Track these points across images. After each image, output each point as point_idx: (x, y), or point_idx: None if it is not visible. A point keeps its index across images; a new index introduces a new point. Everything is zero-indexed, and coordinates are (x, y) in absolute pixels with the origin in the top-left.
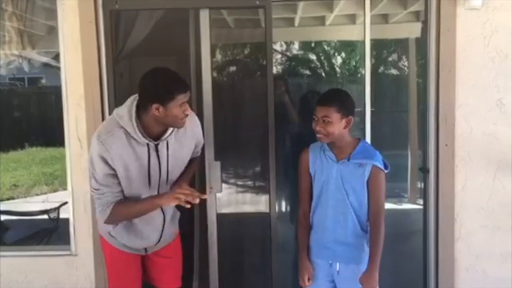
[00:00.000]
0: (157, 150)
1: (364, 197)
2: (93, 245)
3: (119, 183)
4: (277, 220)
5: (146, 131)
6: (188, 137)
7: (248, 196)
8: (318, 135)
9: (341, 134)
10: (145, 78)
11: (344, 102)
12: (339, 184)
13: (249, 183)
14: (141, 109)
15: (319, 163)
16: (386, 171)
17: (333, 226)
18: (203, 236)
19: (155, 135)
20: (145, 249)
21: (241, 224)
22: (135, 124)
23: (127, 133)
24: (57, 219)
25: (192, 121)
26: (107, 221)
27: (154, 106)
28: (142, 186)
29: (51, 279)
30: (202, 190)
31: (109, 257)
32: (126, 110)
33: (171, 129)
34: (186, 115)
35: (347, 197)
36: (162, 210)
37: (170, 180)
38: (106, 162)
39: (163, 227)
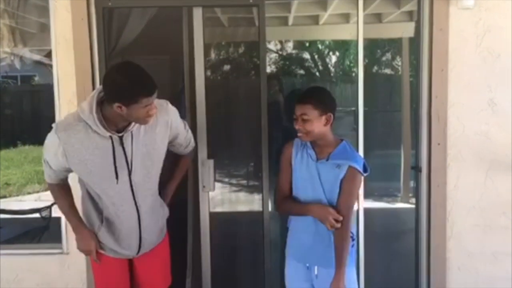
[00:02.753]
0: (122, 143)
1: None
2: None
3: (64, 174)
4: (270, 219)
5: (109, 124)
6: (160, 127)
7: (241, 194)
8: (299, 134)
9: (323, 132)
10: (110, 75)
11: (321, 99)
12: (316, 184)
13: (242, 181)
14: (105, 102)
15: (299, 159)
16: (365, 174)
17: (310, 227)
18: (196, 233)
19: (121, 127)
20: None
21: (234, 223)
22: (95, 117)
23: (88, 126)
24: (49, 217)
25: (163, 110)
26: (49, 186)
27: (117, 104)
28: (107, 180)
29: (43, 278)
30: (195, 189)
31: (96, 264)
32: (88, 103)
33: None
34: (150, 115)
35: (324, 197)
36: (136, 204)
37: (142, 176)
38: (57, 157)
39: (139, 223)
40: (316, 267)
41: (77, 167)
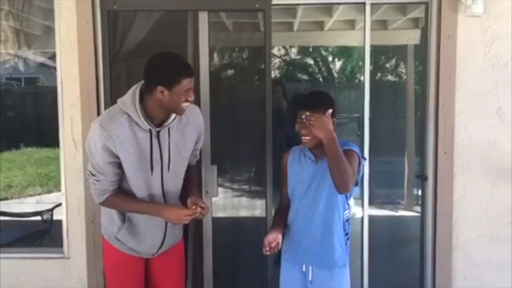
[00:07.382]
0: (158, 137)
1: (338, 196)
2: (86, 248)
3: (117, 173)
4: None
5: (148, 117)
6: (191, 127)
7: (244, 200)
8: (304, 139)
9: None
10: (152, 60)
11: (331, 105)
12: (315, 182)
13: (246, 187)
14: (145, 94)
15: (297, 164)
16: (364, 158)
17: (308, 226)
18: (198, 239)
19: (157, 122)
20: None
21: (236, 228)
22: (138, 108)
23: (130, 118)
24: (51, 221)
25: (195, 112)
26: (102, 205)
27: (159, 89)
28: (143, 173)
29: (43, 282)
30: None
31: (110, 261)
32: (130, 95)
33: (173, 115)
34: (189, 101)
35: (323, 195)
36: (165, 200)
37: (173, 172)
38: (108, 149)
39: (166, 226)
40: (311, 270)
41: (123, 157)
